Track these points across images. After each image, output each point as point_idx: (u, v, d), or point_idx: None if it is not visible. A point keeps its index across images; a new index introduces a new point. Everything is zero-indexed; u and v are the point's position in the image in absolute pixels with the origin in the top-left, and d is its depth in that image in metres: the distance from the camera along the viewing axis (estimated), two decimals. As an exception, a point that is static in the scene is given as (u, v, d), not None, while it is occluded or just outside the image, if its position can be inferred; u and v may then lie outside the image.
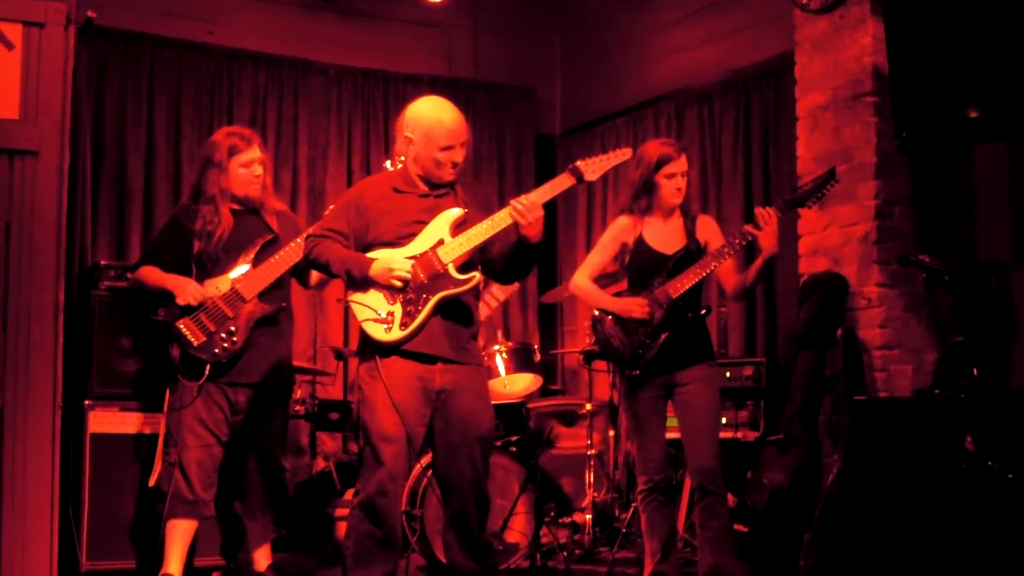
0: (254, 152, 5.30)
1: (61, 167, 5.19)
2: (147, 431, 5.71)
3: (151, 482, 5.45)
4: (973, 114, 5.26)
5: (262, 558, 5.36)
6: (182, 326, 5.12)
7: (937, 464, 4.87)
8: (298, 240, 5.15)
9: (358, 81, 8.75)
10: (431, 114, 4.59)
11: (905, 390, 5.78)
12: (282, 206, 5.58)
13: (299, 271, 5.31)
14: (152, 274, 5.27)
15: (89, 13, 5.86)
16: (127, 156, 7.77)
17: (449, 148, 4.57)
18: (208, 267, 5.22)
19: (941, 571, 4.72)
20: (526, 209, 4.41)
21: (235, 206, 5.29)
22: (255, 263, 5.23)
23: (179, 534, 5.17)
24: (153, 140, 7.87)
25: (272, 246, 5.28)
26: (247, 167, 5.28)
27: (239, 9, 8.34)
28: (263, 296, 5.21)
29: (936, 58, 5.37)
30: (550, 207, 4.54)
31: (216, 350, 5.11)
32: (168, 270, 5.25)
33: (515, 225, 4.47)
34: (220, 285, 5.17)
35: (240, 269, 5.22)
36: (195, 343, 5.11)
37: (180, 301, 5.13)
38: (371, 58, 8.83)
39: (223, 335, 5.12)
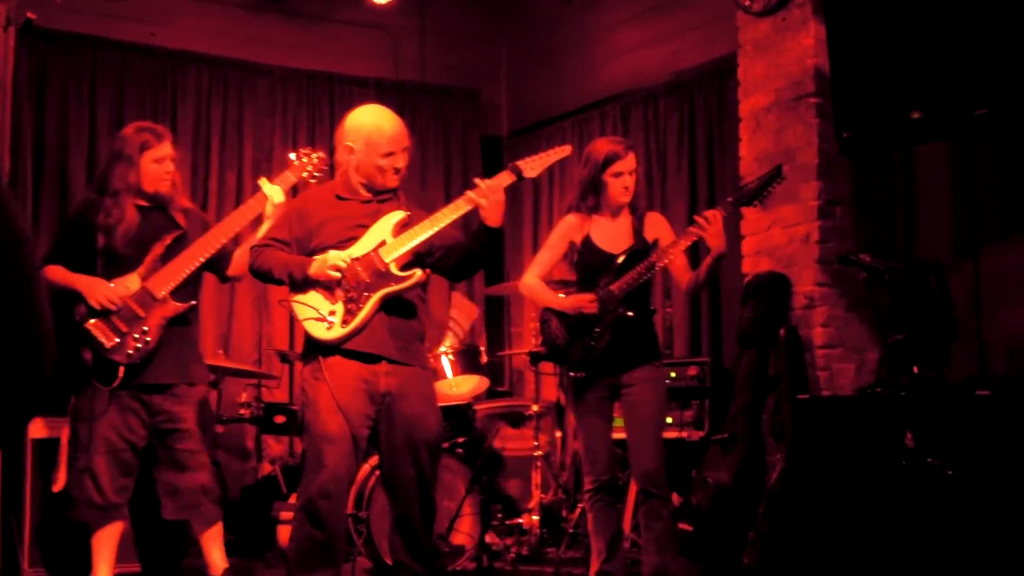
0: (166, 148, 5.19)
1: (1, 170, 5.13)
2: (48, 435, 5.65)
3: (56, 487, 5.36)
4: (916, 115, 5.32)
5: (218, 561, 5.27)
6: (92, 327, 4.97)
7: (878, 461, 4.92)
8: (209, 234, 5.11)
9: (303, 83, 8.73)
10: (371, 121, 4.61)
11: (847, 388, 5.83)
12: (190, 203, 5.46)
13: (213, 263, 5.19)
14: (58, 273, 5.09)
15: (29, 15, 5.79)
16: (69, 158, 7.69)
17: (391, 154, 4.58)
18: (115, 263, 5.07)
19: (882, 566, 4.77)
20: (487, 189, 4.41)
21: (142, 202, 5.16)
22: (164, 260, 5.10)
23: (104, 539, 5.09)
24: (96, 142, 7.80)
25: (180, 243, 5.15)
26: (159, 163, 5.16)
27: (182, 10, 8.27)
28: (174, 294, 5.09)
29: (877, 59, 5.42)
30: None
31: (130, 351, 4.97)
32: (74, 268, 5.09)
33: (462, 220, 4.48)
34: (129, 284, 5.03)
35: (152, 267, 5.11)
36: (108, 345, 4.96)
37: (91, 302, 4.97)
38: (316, 60, 8.80)
39: (136, 335, 4.98)
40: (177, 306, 5.10)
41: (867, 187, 6.11)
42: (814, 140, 5.97)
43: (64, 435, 5.33)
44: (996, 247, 5.73)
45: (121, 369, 4.97)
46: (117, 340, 4.97)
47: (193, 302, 5.20)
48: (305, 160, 5.24)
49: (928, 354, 5.23)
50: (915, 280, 5.59)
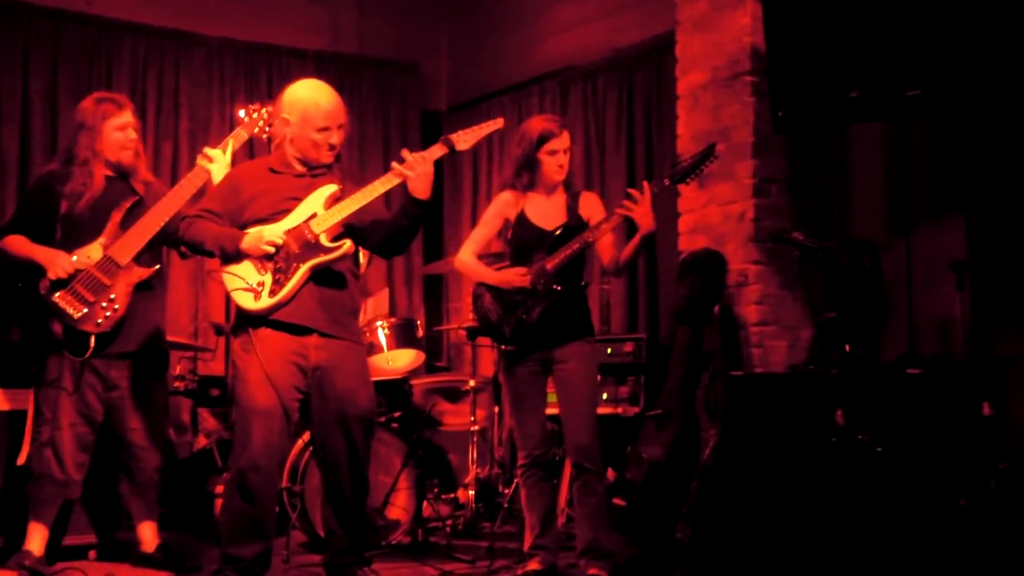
0: (127, 116, 5.21)
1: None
2: (10, 408, 5.56)
3: (20, 461, 5.33)
4: (853, 94, 5.35)
5: (150, 538, 5.28)
6: (59, 299, 4.95)
7: (809, 438, 4.97)
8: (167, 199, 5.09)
9: (241, 55, 8.63)
10: (308, 96, 4.59)
11: (780, 366, 5.88)
12: (151, 176, 5.44)
13: (172, 238, 5.13)
14: (19, 244, 5.10)
15: (-41, -18, 5.71)
16: (1, 128, 7.59)
17: (326, 129, 4.57)
18: (75, 231, 5.06)
19: (813, 541, 4.83)
20: (413, 161, 4.40)
21: (107, 171, 5.17)
22: (123, 227, 5.09)
23: (49, 513, 5.08)
24: (29, 112, 7.71)
25: (138, 208, 5.15)
26: (122, 131, 5.18)
27: (119, -21, 8.16)
28: (137, 260, 5.07)
29: (812, 39, 5.44)
30: (435, 184, 4.54)
31: (99, 320, 4.97)
32: (36, 238, 5.09)
33: (388, 195, 4.47)
34: (92, 253, 5.02)
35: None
36: (76, 315, 4.95)
37: (51, 275, 4.96)
38: (254, 31, 8.70)
39: (103, 304, 4.97)
40: (142, 272, 5.10)
41: (802, 166, 6.15)
42: (750, 118, 6.00)
43: (30, 408, 5.29)
44: (927, 227, 5.79)
45: (92, 338, 4.97)
46: (85, 310, 4.98)
47: (157, 266, 5.19)
48: (256, 116, 5.21)
49: (859, 333, 5.30)
50: (848, 259, 5.65)
